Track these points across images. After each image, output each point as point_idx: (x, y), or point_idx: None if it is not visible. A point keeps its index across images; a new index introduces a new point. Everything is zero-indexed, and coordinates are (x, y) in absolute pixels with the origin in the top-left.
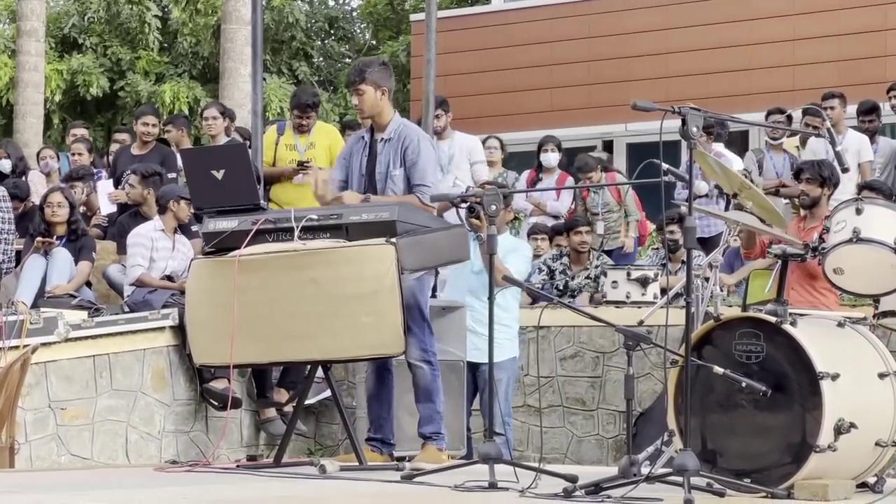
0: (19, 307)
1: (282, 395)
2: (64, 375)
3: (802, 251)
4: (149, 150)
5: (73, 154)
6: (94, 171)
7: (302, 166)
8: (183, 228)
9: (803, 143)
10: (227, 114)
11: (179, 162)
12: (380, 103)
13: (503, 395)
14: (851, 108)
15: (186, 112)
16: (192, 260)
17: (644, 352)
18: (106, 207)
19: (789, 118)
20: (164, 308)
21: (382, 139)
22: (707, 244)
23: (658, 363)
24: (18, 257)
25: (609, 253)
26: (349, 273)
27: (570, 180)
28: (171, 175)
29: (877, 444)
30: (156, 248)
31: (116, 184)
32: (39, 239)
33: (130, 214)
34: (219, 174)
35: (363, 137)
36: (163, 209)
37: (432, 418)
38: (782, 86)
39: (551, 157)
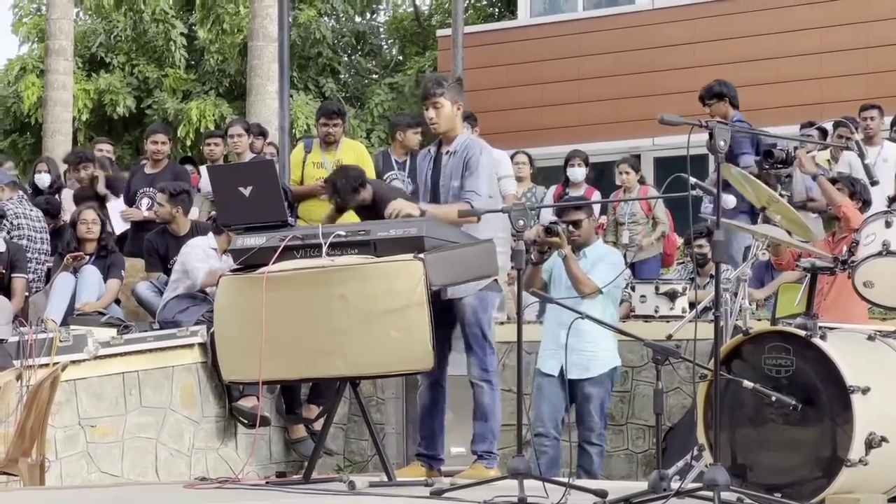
0: (49, 325)
1: (311, 412)
2: (93, 393)
3: (832, 264)
4: (161, 168)
5: None
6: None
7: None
8: None
9: (835, 158)
10: (253, 130)
11: (205, 180)
12: (453, 117)
13: (599, 408)
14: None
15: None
16: (219, 277)
17: (673, 366)
18: (118, 227)
19: (823, 132)
20: (193, 325)
21: (448, 152)
22: None
23: (687, 377)
24: (47, 276)
25: (632, 266)
26: (378, 289)
27: (596, 194)
28: None
29: None
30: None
31: (130, 202)
32: (70, 255)
33: (158, 232)
34: (246, 191)
35: (430, 151)
36: (218, 230)
37: (485, 437)
38: (810, 99)
39: (578, 172)
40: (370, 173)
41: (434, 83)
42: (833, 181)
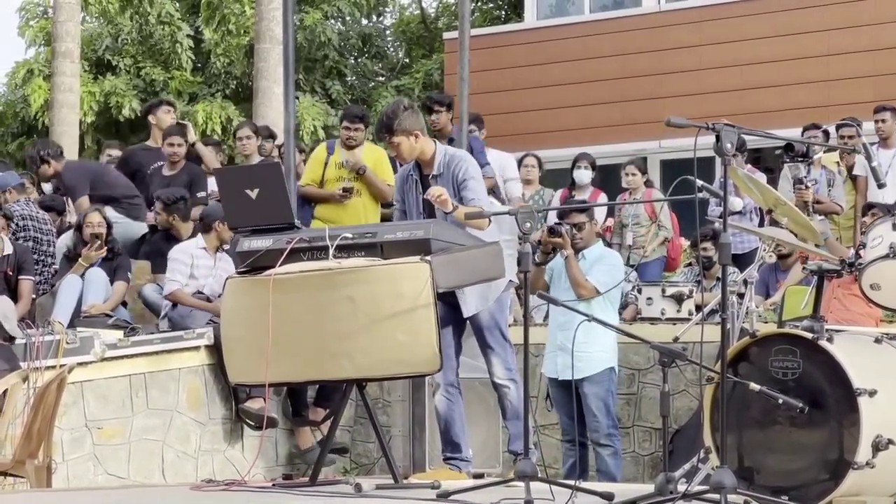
0: (56, 327)
1: (317, 414)
2: (100, 395)
3: (838, 266)
4: (178, 170)
5: None
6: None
7: (346, 191)
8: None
9: (845, 160)
10: (262, 133)
11: (212, 183)
12: (417, 147)
13: (602, 408)
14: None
15: (219, 132)
16: (226, 279)
17: (679, 368)
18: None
19: (826, 134)
20: (199, 328)
21: (433, 175)
22: (741, 260)
23: (694, 380)
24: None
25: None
26: (384, 291)
27: (602, 197)
28: (201, 194)
29: None
30: (196, 265)
31: (150, 204)
32: (88, 251)
33: (163, 235)
34: (253, 193)
35: (412, 175)
36: (207, 228)
37: (522, 435)
38: (817, 101)
39: (583, 175)
40: (388, 177)
41: (382, 126)
42: (870, 206)
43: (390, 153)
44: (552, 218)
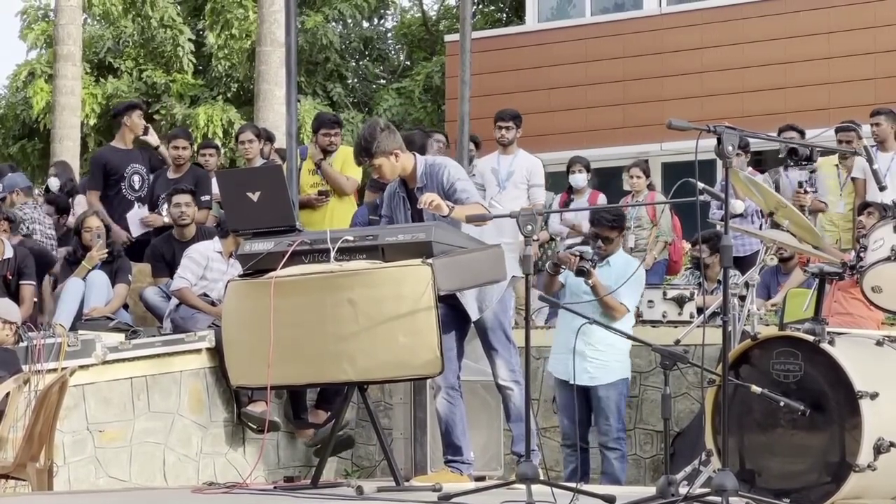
0: (57, 330)
1: (318, 417)
2: (102, 398)
3: (840, 269)
4: (183, 173)
5: None
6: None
7: (322, 194)
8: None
9: (845, 163)
10: (263, 135)
11: (214, 186)
12: (398, 165)
13: (615, 412)
14: None
15: (221, 135)
16: (228, 282)
17: (681, 371)
18: (136, 231)
19: (802, 134)
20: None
21: (417, 188)
22: (742, 263)
23: (695, 383)
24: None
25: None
26: (386, 294)
27: (601, 197)
28: (205, 197)
29: None
30: (210, 267)
31: (153, 207)
32: (92, 252)
33: (164, 238)
34: (254, 196)
35: (398, 192)
36: (225, 233)
37: (524, 436)
38: (818, 104)
39: (579, 178)
40: (358, 175)
41: (361, 150)
42: (866, 205)
43: (373, 175)
44: (554, 220)
